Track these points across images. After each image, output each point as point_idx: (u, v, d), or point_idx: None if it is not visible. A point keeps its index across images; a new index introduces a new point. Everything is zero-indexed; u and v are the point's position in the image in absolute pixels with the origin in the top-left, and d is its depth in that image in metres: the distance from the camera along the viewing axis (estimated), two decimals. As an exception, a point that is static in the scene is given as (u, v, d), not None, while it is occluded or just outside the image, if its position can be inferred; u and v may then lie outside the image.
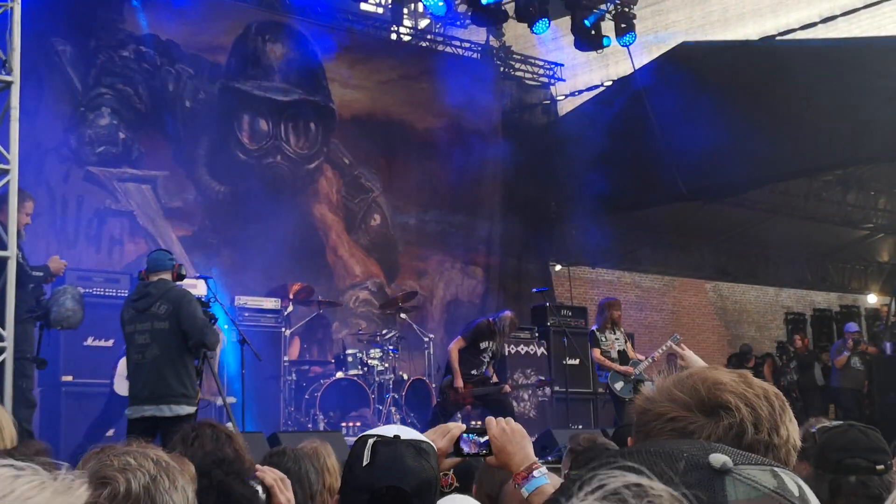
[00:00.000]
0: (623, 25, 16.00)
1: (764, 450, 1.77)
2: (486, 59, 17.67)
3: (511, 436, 2.67)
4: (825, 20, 16.09)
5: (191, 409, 7.77)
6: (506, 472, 2.75)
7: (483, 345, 11.52)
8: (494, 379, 11.94)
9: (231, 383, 10.69)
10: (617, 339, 11.51)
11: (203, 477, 3.26)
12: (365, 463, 2.29)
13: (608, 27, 16.08)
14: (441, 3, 15.23)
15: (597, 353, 11.41)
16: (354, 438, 2.58)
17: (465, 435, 2.71)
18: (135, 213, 13.37)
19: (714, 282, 21.95)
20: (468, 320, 12.72)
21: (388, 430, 2.39)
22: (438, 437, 2.70)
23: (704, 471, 1.06)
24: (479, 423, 2.76)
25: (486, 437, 2.69)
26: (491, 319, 11.61)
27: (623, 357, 11.36)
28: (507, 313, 11.74)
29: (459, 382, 11.30)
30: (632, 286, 20.44)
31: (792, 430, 1.86)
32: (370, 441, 2.33)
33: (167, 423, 7.55)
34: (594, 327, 11.64)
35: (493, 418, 2.73)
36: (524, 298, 16.33)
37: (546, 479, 2.63)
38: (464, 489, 3.72)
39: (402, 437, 2.36)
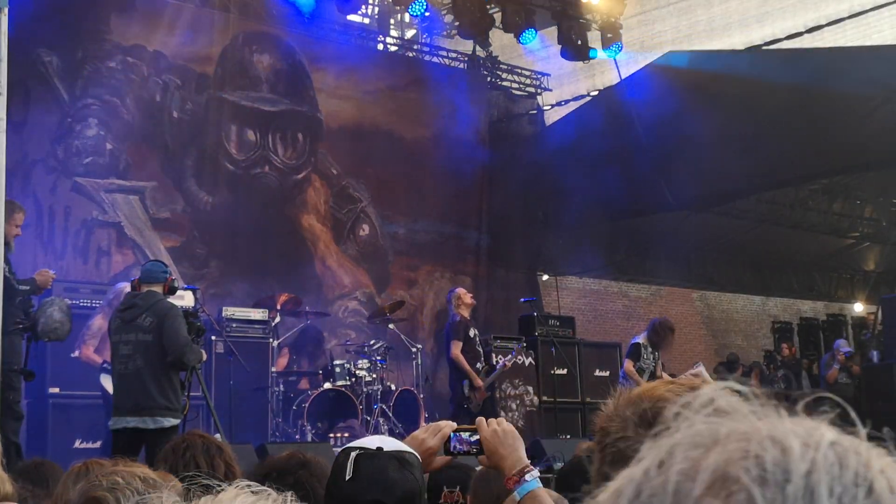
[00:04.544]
0: (609, 35, 16.06)
1: None
2: (472, 70, 17.72)
3: (503, 437, 2.65)
4: (811, 30, 16.16)
5: (175, 422, 7.77)
6: (502, 483, 2.74)
7: (472, 333, 11.72)
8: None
9: (218, 394, 10.67)
10: (655, 360, 11.51)
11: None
12: (348, 477, 2.30)
13: (594, 37, 16.14)
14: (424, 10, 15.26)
15: (630, 365, 11.36)
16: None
17: (455, 434, 2.70)
18: (122, 224, 13.35)
19: (701, 291, 22.00)
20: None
21: (371, 442, 2.40)
22: (430, 436, 2.70)
23: None
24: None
25: (477, 437, 2.67)
26: (457, 314, 11.74)
27: (652, 379, 11.35)
28: (458, 290, 12.00)
29: (479, 381, 11.55)
30: (619, 295, 20.48)
31: None
32: (353, 454, 2.33)
33: (152, 436, 7.57)
34: (638, 339, 11.57)
35: (483, 419, 2.72)
36: (512, 308, 16.35)
37: (538, 483, 2.61)
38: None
39: (384, 449, 2.36)
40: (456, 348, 11.56)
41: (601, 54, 16.23)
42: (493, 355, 12.68)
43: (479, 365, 11.72)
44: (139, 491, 2.35)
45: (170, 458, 3.79)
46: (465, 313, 11.84)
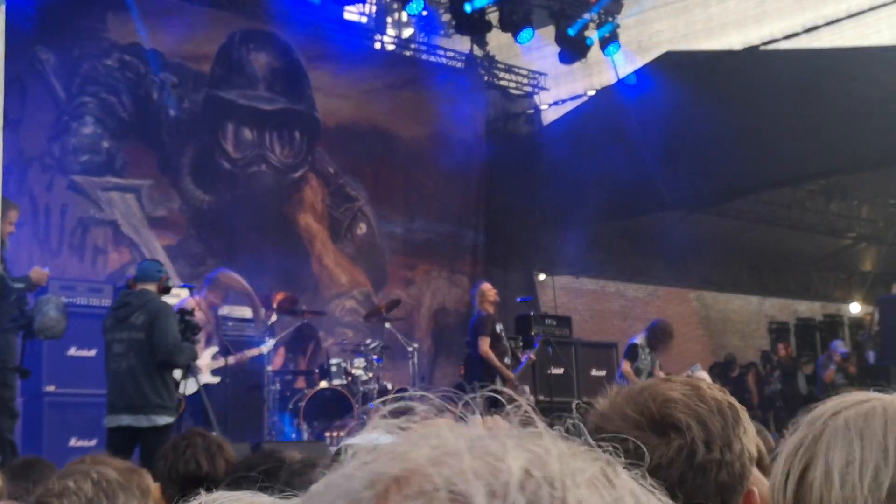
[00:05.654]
0: (607, 35, 16.04)
1: (717, 468, 1.74)
2: (469, 69, 17.69)
3: None
4: (808, 30, 16.13)
5: (169, 420, 7.77)
6: None
7: (499, 328, 11.69)
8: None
9: (213, 393, 10.65)
10: (652, 361, 11.47)
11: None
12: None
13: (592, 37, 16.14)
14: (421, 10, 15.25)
15: (627, 366, 11.34)
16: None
17: None
18: (118, 222, 13.32)
19: (698, 291, 21.98)
20: (455, 329, 12.68)
21: (370, 440, 2.37)
22: None
23: None
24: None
25: None
26: (483, 310, 11.68)
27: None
28: (483, 285, 11.90)
29: (511, 374, 11.53)
30: (616, 295, 20.46)
31: (746, 442, 1.81)
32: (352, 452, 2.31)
33: (146, 434, 7.58)
34: (636, 340, 11.53)
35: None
36: (509, 307, 16.31)
37: None
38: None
39: (383, 448, 2.34)
40: (485, 344, 11.50)
41: (598, 53, 16.23)
42: (518, 351, 12.65)
43: (506, 360, 11.70)
44: (87, 496, 2.33)
45: (170, 457, 3.78)
46: (490, 309, 11.78)
